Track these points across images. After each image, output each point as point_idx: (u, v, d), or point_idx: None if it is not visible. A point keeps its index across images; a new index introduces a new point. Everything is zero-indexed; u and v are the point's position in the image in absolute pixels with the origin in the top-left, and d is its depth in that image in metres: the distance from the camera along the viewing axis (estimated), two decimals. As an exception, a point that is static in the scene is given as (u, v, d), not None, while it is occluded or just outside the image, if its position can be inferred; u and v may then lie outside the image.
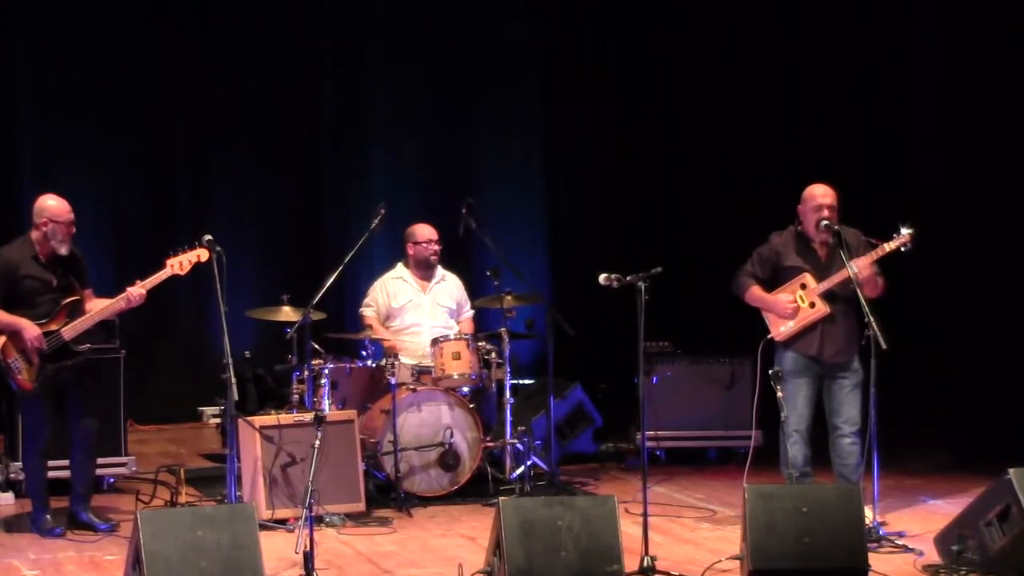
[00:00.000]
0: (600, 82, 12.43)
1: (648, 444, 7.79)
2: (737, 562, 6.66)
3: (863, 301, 7.50)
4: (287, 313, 8.84)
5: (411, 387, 8.71)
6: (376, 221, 8.90)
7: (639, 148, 12.39)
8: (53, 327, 7.63)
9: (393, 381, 8.63)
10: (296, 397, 8.78)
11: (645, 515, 6.77)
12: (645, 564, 6.65)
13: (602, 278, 7.14)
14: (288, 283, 9.65)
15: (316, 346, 8.75)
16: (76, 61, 11.37)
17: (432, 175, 12.05)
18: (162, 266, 7.64)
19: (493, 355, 8.95)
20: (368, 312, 9.38)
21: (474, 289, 9.86)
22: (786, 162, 11.68)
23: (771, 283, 7.97)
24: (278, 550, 7.17)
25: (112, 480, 8.85)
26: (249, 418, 8.17)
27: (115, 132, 11.50)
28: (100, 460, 8.26)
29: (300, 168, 12.01)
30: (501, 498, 6.49)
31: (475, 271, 10.28)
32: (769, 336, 7.91)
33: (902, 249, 7.62)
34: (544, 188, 12.45)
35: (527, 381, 9.99)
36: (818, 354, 7.82)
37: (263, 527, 6.73)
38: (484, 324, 9.89)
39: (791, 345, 7.87)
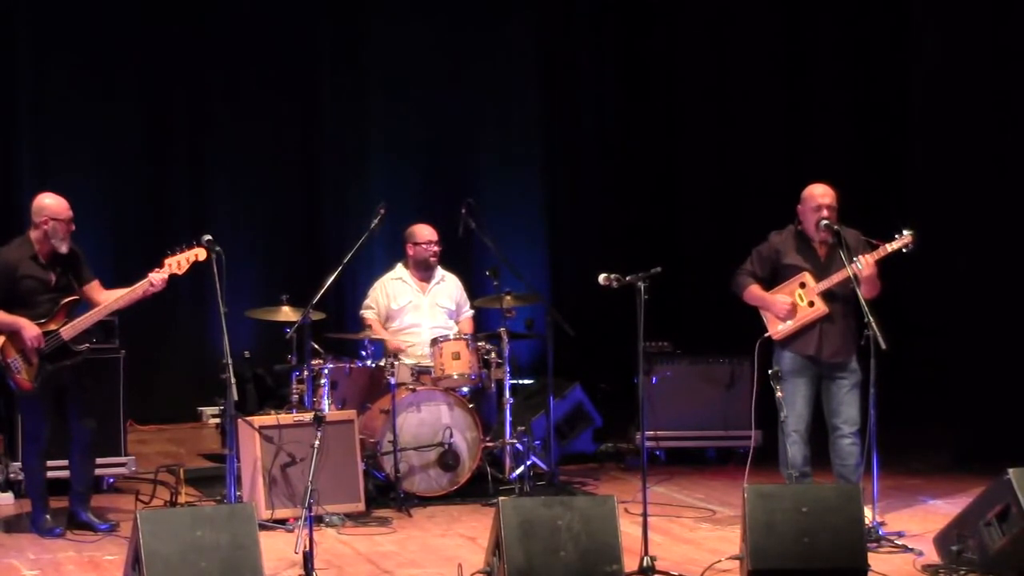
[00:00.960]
0: (600, 82, 12.43)
1: (648, 444, 7.80)
2: (737, 562, 6.66)
3: (863, 301, 7.51)
4: (287, 313, 8.84)
5: (411, 387, 8.71)
6: (376, 221, 8.90)
7: (639, 148, 12.39)
8: (52, 327, 7.63)
9: (393, 381, 8.63)
10: (296, 397, 8.78)
11: (645, 515, 6.77)
12: (645, 564, 6.65)
13: (602, 278, 7.14)
14: (288, 283, 9.66)
15: (316, 346, 8.75)
16: (76, 61, 11.38)
17: (432, 175, 12.04)
18: (160, 265, 7.64)
19: (493, 355, 8.95)
20: (369, 314, 9.37)
21: (474, 289, 9.86)
22: (786, 162, 11.68)
23: (770, 282, 7.98)
24: (278, 550, 7.17)
25: (112, 480, 8.86)
26: (249, 418, 8.17)
27: (115, 132, 11.51)
28: (100, 460, 8.27)
29: (300, 168, 12.02)
30: (501, 498, 6.50)
31: (475, 271, 10.28)
32: (766, 335, 7.92)
33: (903, 251, 7.62)
34: (544, 188, 12.44)
35: (527, 381, 9.98)
36: (816, 354, 7.82)
37: (263, 527, 6.74)
38: (484, 324, 9.89)
39: (789, 344, 7.87)
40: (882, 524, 7.51)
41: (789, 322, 7.86)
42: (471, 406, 8.80)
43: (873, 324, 7.36)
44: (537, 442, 9.03)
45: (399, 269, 9.45)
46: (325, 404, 8.57)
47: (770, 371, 7.64)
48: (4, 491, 8.62)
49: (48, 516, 7.82)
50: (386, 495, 8.55)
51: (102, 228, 11.26)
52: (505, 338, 8.92)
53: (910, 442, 9.83)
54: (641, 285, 6.93)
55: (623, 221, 12.30)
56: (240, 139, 11.76)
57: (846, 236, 7.74)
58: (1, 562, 7.25)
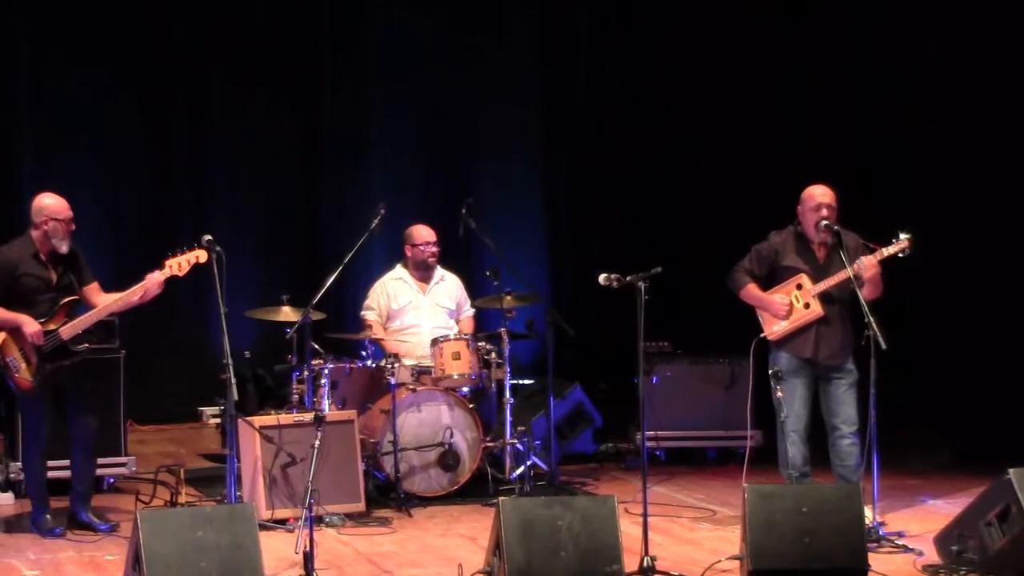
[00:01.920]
0: (600, 82, 12.42)
1: (648, 444, 7.79)
2: (737, 562, 6.66)
3: (863, 301, 7.51)
4: (287, 313, 8.85)
5: (411, 387, 8.71)
6: (376, 221, 8.90)
7: (639, 148, 12.38)
8: (52, 327, 7.63)
9: (393, 381, 8.63)
10: (296, 397, 8.79)
11: (645, 515, 6.77)
12: (645, 564, 6.65)
13: (602, 278, 7.14)
14: (288, 283, 9.65)
15: (316, 346, 8.75)
16: (76, 64, 11.35)
17: (432, 175, 12.04)
18: (161, 267, 7.64)
19: (493, 355, 8.95)
20: (370, 315, 9.37)
21: (474, 289, 9.87)
22: (786, 162, 11.68)
23: (767, 282, 7.98)
24: (278, 550, 7.17)
25: (112, 480, 8.86)
26: (249, 418, 8.17)
27: (115, 133, 11.50)
28: (100, 460, 8.26)
29: (300, 168, 12.01)
30: (501, 498, 6.49)
31: (475, 271, 10.28)
32: (761, 335, 7.92)
33: (900, 255, 7.62)
34: (544, 188, 12.44)
35: (527, 381, 9.98)
36: (813, 356, 7.83)
37: (263, 527, 6.74)
38: (484, 324, 9.89)
39: (784, 345, 7.87)
40: (882, 524, 7.51)
41: (784, 323, 7.86)
42: (471, 406, 8.80)
43: (873, 324, 7.36)
44: (537, 442, 9.03)
45: (399, 269, 9.45)
46: (325, 404, 8.57)
47: (770, 371, 7.64)
48: (4, 491, 8.62)
49: (48, 516, 7.82)
50: (386, 495, 8.55)
51: (102, 228, 11.25)
52: (505, 338, 8.92)
53: (910, 442, 9.83)
54: (641, 285, 6.93)
55: (623, 221, 12.30)
56: (240, 138, 11.75)
57: (845, 238, 7.74)
58: (1, 562, 7.25)
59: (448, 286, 9.47)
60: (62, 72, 11.34)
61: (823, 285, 7.79)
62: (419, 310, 9.32)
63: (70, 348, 7.67)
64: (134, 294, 7.66)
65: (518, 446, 8.84)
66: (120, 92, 11.51)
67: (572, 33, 12.46)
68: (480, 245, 9.48)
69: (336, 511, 8.01)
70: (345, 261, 8.75)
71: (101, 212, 11.34)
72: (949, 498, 8.47)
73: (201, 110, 11.77)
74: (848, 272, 7.61)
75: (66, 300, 7.71)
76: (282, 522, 7.85)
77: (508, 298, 9.00)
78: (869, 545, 6.76)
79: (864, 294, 7.59)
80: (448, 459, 8.65)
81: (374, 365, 8.89)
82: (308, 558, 6.53)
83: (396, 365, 8.71)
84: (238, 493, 7.81)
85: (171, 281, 7.74)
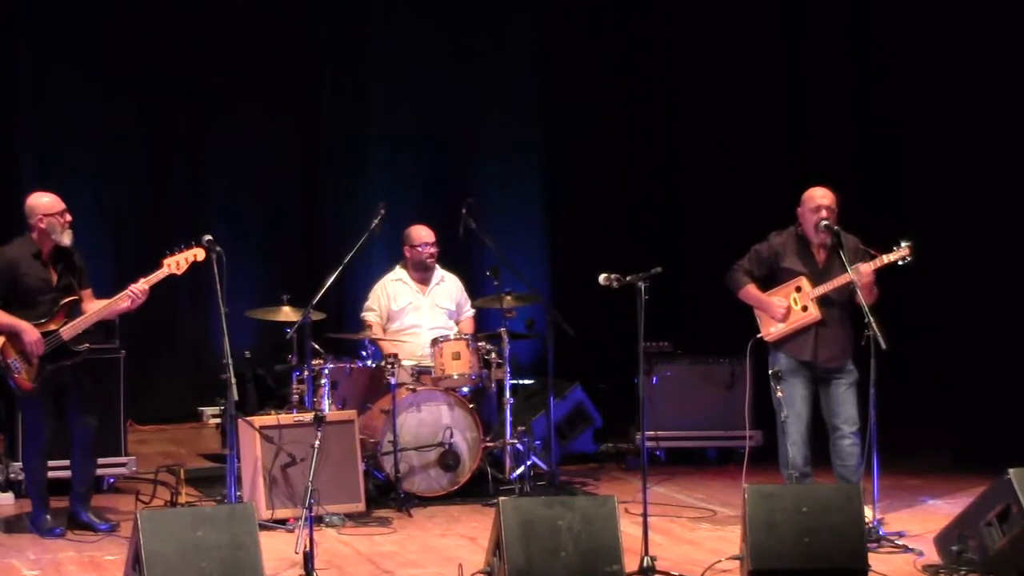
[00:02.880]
0: (600, 81, 12.41)
1: (648, 444, 7.80)
2: (737, 562, 6.66)
3: (862, 301, 7.51)
4: (287, 313, 8.85)
5: (411, 387, 8.71)
6: (376, 221, 8.91)
7: (639, 148, 12.38)
8: (52, 327, 7.63)
9: (393, 381, 8.63)
10: (296, 397, 8.78)
11: (645, 515, 6.77)
12: (645, 564, 6.65)
13: (602, 278, 7.14)
14: (288, 283, 9.65)
15: (316, 346, 8.75)
16: (76, 61, 11.36)
17: (432, 175, 12.04)
18: (159, 266, 7.64)
19: (493, 355, 8.95)
20: (371, 316, 9.36)
21: (474, 289, 9.86)
22: (786, 163, 11.68)
23: (766, 282, 7.98)
24: (278, 550, 7.17)
25: (112, 480, 8.86)
26: (249, 418, 8.17)
27: (115, 132, 11.50)
28: (100, 460, 8.26)
29: (300, 168, 12.01)
30: (501, 498, 6.49)
31: (475, 271, 10.27)
32: (758, 335, 7.92)
33: (900, 263, 7.62)
34: (544, 188, 12.43)
35: (527, 381, 9.98)
36: (812, 359, 7.82)
37: (263, 527, 6.74)
38: (484, 324, 9.89)
39: (782, 347, 7.87)
40: (881, 521, 7.51)
41: (781, 325, 7.86)
42: (471, 406, 8.80)
43: (873, 324, 7.36)
44: (537, 442, 9.03)
45: (398, 270, 9.45)
46: (325, 404, 8.57)
47: (770, 371, 7.65)
48: (4, 491, 8.62)
49: (48, 516, 7.82)
50: (386, 495, 8.55)
51: (102, 228, 11.26)
52: (505, 338, 8.92)
53: (910, 442, 9.83)
54: (641, 285, 6.93)
55: (623, 221, 12.30)
56: (240, 139, 11.75)
57: (844, 240, 7.74)
58: (1, 562, 7.25)
59: (448, 287, 9.47)
60: (62, 72, 11.34)
61: (822, 289, 7.78)
62: (419, 311, 9.32)
63: (71, 348, 7.67)
64: (120, 302, 7.64)
65: (518, 446, 8.84)
66: (120, 92, 11.51)
67: (572, 33, 12.45)
68: (480, 245, 9.47)
69: (336, 511, 8.01)
70: (345, 261, 8.76)
71: (101, 212, 11.35)
72: (949, 498, 8.47)
73: (201, 110, 11.77)
74: (848, 276, 7.60)
75: (66, 300, 7.71)
76: (282, 522, 7.85)
77: (508, 298, 9.00)
78: (869, 545, 6.76)
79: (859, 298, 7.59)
80: (448, 459, 8.65)
81: (374, 365, 8.89)
82: (308, 558, 6.54)
83: (396, 365, 8.71)
84: (238, 493, 7.81)
85: (171, 281, 7.74)
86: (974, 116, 10.05)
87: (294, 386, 8.89)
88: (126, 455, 8.81)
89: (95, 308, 7.73)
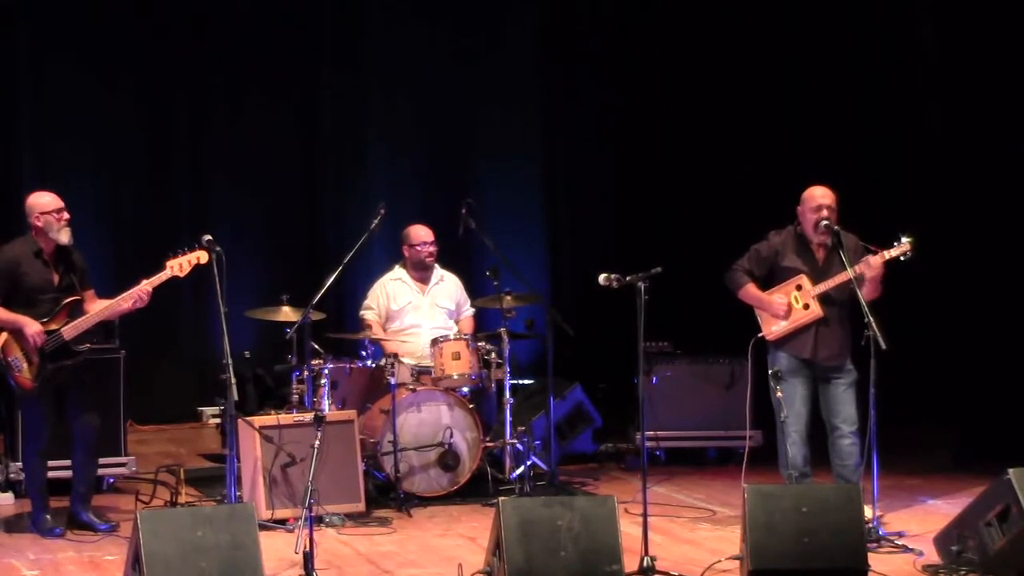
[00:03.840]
0: (599, 81, 12.41)
1: (648, 444, 7.80)
2: (737, 562, 6.66)
3: (862, 301, 7.51)
4: (287, 313, 8.85)
5: (411, 387, 8.71)
6: (376, 221, 8.91)
7: (639, 148, 12.38)
8: (53, 326, 7.64)
9: (393, 381, 8.63)
10: (296, 397, 8.78)
11: (645, 515, 6.77)
12: (645, 564, 6.65)
13: (602, 278, 7.15)
14: (288, 283, 9.64)
15: (316, 346, 8.76)
16: (76, 62, 11.36)
17: (432, 175, 12.04)
18: (162, 268, 7.64)
19: (493, 355, 8.95)
20: (369, 315, 9.37)
21: (474, 289, 9.87)
22: (786, 163, 11.68)
23: (766, 282, 7.98)
24: (278, 550, 7.17)
25: (112, 480, 8.86)
26: (249, 418, 8.17)
27: (115, 132, 11.50)
28: (100, 460, 8.25)
29: (300, 169, 12.01)
30: (501, 498, 6.50)
31: (475, 271, 10.28)
32: (760, 335, 7.92)
33: (901, 258, 7.63)
34: (544, 188, 12.43)
35: (527, 381, 9.98)
36: (812, 357, 7.83)
37: (263, 527, 6.74)
38: (484, 324, 9.89)
39: (783, 346, 7.88)
40: (881, 519, 7.51)
41: (783, 323, 7.87)
42: (471, 406, 8.81)
43: (873, 324, 7.36)
44: (537, 442, 9.03)
45: (398, 270, 9.45)
46: (325, 404, 8.57)
47: (770, 371, 7.65)
48: (4, 491, 8.62)
49: (48, 516, 7.82)
50: (386, 495, 8.56)
51: (102, 228, 11.26)
52: (505, 338, 8.92)
53: (910, 442, 9.83)
54: (641, 285, 6.93)
55: (623, 221, 12.30)
56: (240, 139, 11.75)
57: (844, 239, 7.74)
58: (1, 562, 7.25)
59: (447, 286, 9.47)
60: (62, 71, 11.34)
61: (823, 286, 7.79)
62: (418, 310, 9.32)
63: (72, 348, 7.67)
64: (123, 303, 7.65)
65: (518, 446, 8.84)
66: (120, 92, 11.51)
67: (572, 33, 12.45)
68: (480, 245, 9.47)
69: (336, 511, 8.01)
70: (345, 261, 8.76)
71: (101, 212, 11.35)
72: (949, 498, 8.47)
73: (201, 110, 11.77)
74: (848, 274, 7.61)
75: (68, 300, 7.71)
76: (282, 522, 7.85)
77: (508, 298, 9.01)
78: (869, 545, 6.76)
79: (864, 294, 7.60)
80: (448, 459, 8.65)
81: (374, 365, 8.90)
82: (308, 558, 6.54)
83: (396, 365, 8.71)
84: (238, 493, 7.81)
85: (171, 282, 7.74)
86: (974, 115, 10.05)
87: (294, 386, 8.89)
88: (126, 455, 8.81)
89: (97, 308, 7.73)
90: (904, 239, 7.62)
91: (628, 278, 7.04)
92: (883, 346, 7.30)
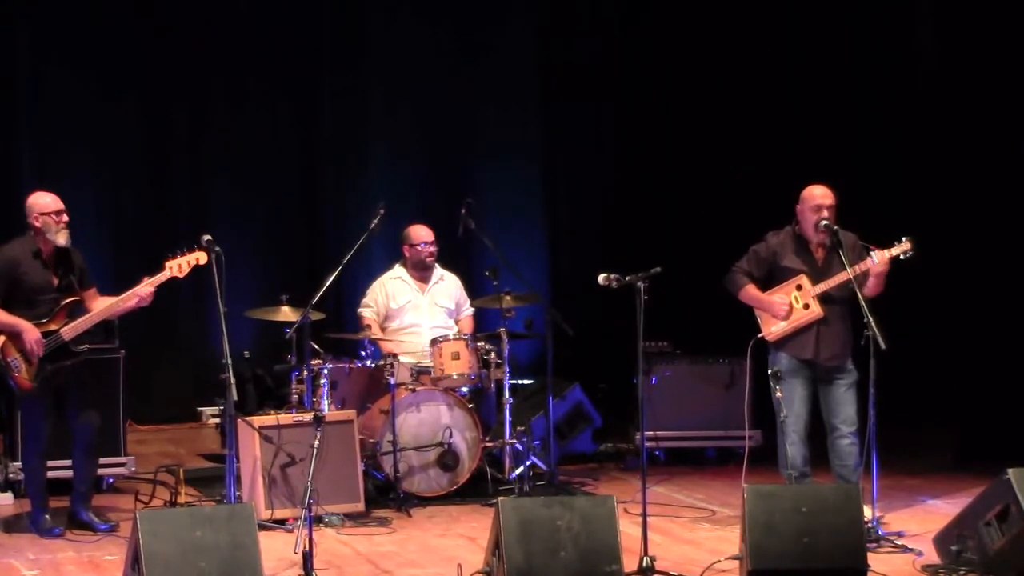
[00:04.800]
0: (599, 82, 12.40)
1: (647, 444, 7.80)
2: (736, 562, 6.66)
3: (862, 301, 7.51)
4: (286, 313, 8.85)
5: (410, 387, 8.71)
6: (376, 221, 8.91)
7: (638, 148, 12.38)
8: (53, 327, 7.64)
9: (392, 381, 8.63)
10: (295, 397, 8.79)
11: (644, 515, 6.77)
12: (644, 564, 6.65)
13: (601, 278, 7.14)
14: (287, 283, 9.66)
15: (315, 346, 8.76)
16: (76, 63, 11.36)
17: (432, 175, 12.04)
18: (161, 268, 7.64)
19: (492, 355, 8.95)
20: (367, 313, 9.38)
21: (473, 289, 9.87)
22: (785, 163, 11.68)
23: (765, 283, 7.98)
24: (277, 550, 7.17)
25: (112, 480, 8.86)
26: (248, 418, 8.17)
27: (115, 133, 11.50)
28: (100, 460, 8.24)
29: (300, 169, 12.01)
30: (500, 498, 6.50)
31: (474, 271, 10.28)
32: (759, 335, 7.92)
33: (901, 257, 7.63)
34: (544, 188, 12.43)
35: (526, 381, 9.98)
36: (813, 357, 7.83)
37: (262, 527, 6.74)
38: (483, 324, 9.89)
39: (783, 346, 7.88)
40: (880, 519, 7.51)
41: (783, 324, 7.87)
42: (471, 406, 8.81)
43: (873, 324, 7.36)
44: (537, 442, 9.03)
45: (397, 269, 9.45)
46: (325, 404, 8.57)
47: (770, 371, 7.65)
48: (4, 491, 8.62)
49: (48, 516, 7.82)
50: (386, 495, 8.56)
51: (102, 228, 11.27)
52: (505, 338, 8.92)
53: (910, 442, 9.83)
54: (641, 285, 6.93)
55: (623, 221, 12.29)
56: (240, 139, 11.75)
57: (843, 238, 7.74)
58: (1, 562, 7.25)
59: (447, 286, 9.47)
60: (62, 72, 11.34)
61: (823, 286, 7.78)
62: (418, 310, 9.32)
63: (71, 348, 7.67)
64: (130, 298, 7.65)
65: (517, 446, 8.84)
66: (120, 93, 11.51)
67: (572, 33, 12.45)
68: (480, 245, 9.47)
69: (335, 511, 8.01)
70: (345, 261, 8.76)
71: (101, 214, 11.36)
72: (949, 498, 8.47)
73: (201, 110, 11.77)
74: (848, 273, 7.61)
75: (67, 301, 7.71)
76: (281, 522, 7.85)
77: (507, 298, 9.01)
78: (868, 545, 6.76)
79: (867, 289, 7.61)
80: (447, 459, 8.65)
81: (373, 365, 8.90)
82: (307, 558, 6.54)
83: (396, 365, 8.71)
84: (237, 493, 7.81)
85: (171, 282, 7.74)
86: (974, 114, 10.04)
87: (293, 386, 8.89)
88: (126, 455, 8.81)
89: (98, 307, 7.73)
90: (904, 239, 7.62)
91: (628, 278, 7.04)
92: (883, 346, 7.30)
